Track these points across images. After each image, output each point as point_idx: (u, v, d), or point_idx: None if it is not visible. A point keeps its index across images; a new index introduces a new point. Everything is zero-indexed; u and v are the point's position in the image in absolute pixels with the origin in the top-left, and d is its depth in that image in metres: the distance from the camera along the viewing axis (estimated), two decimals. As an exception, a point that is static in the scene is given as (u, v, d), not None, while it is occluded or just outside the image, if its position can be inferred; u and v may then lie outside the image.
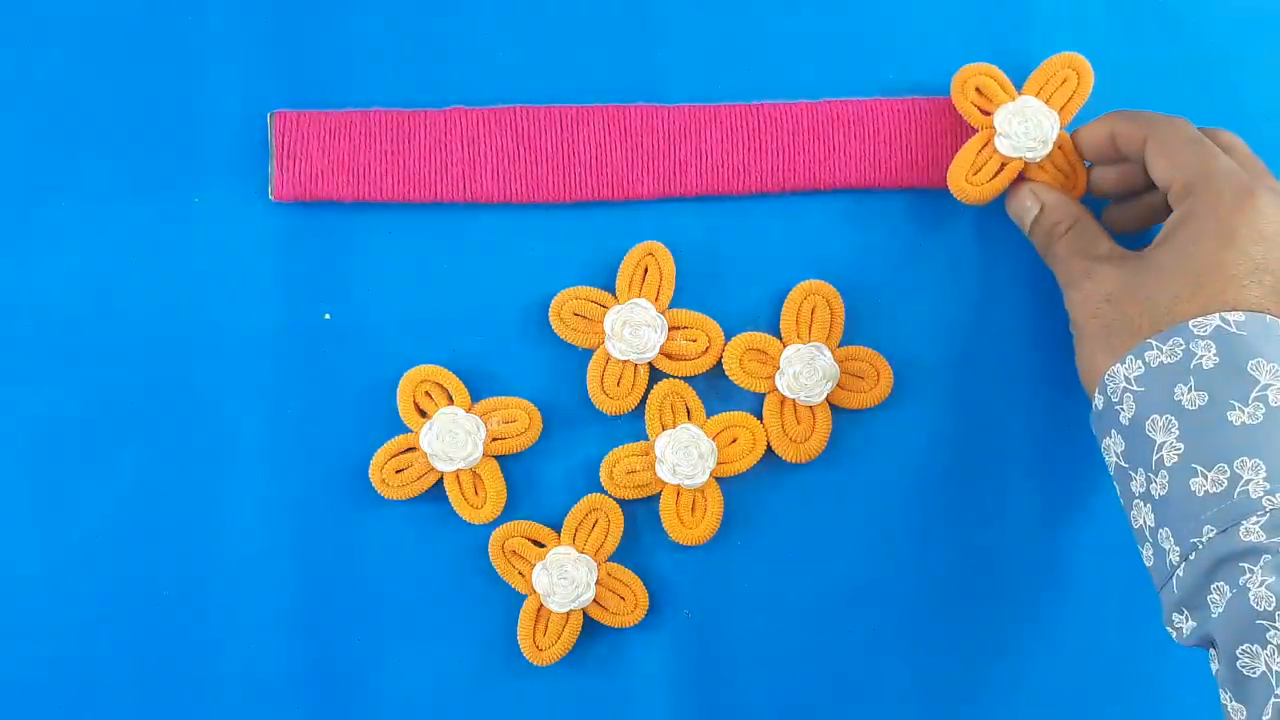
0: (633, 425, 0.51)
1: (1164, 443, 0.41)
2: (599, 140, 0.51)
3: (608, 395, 0.50)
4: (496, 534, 0.50)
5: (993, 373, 0.52)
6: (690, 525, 0.50)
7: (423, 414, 0.50)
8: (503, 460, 0.50)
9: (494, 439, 0.50)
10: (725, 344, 0.50)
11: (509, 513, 0.50)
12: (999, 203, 0.51)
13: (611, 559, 0.50)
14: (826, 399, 0.50)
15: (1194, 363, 0.41)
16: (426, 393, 0.50)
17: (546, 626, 0.49)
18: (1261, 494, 0.38)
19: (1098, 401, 0.44)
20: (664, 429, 0.50)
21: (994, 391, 0.52)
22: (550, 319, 0.50)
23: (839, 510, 0.51)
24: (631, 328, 0.49)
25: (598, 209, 0.51)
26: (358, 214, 0.51)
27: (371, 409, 0.50)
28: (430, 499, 0.50)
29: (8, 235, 0.50)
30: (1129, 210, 0.50)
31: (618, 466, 0.50)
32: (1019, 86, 0.50)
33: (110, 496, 0.50)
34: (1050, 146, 0.49)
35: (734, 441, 0.50)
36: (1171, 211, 0.45)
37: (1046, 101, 0.50)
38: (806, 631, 0.51)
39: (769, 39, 0.52)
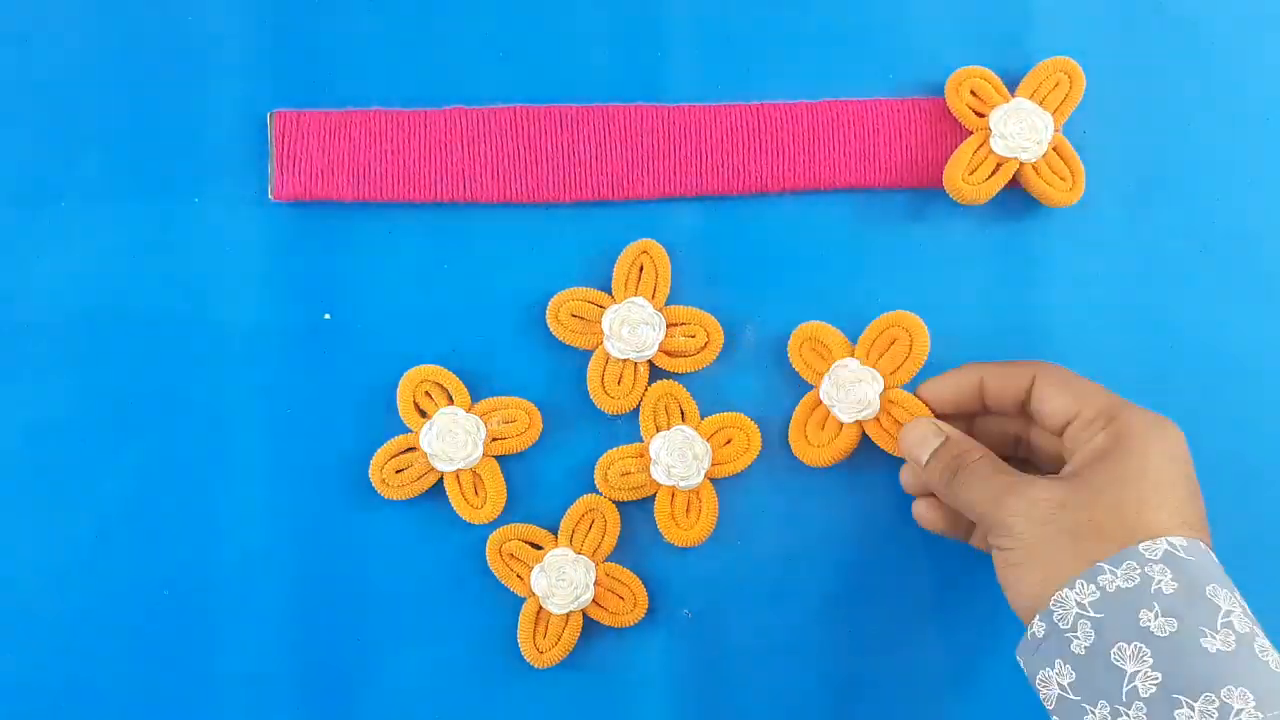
0: (633, 425, 0.51)
1: (1137, 672, 0.39)
2: (599, 140, 0.51)
3: (609, 395, 0.50)
4: (494, 537, 0.50)
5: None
6: (685, 527, 0.50)
7: (423, 414, 0.50)
8: (503, 460, 0.50)
9: (494, 439, 0.50)
10: (724, 341, 0.51)
11: (509, 513, 0.50)
12: (997, 203, 0.51)
13: (609, 559, 0.50)
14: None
15: (1154, 587, 0.40)
16: (426, 393, 0.50)
17: (546, 629, 0.49)
18: None
19: (1037, 629, 0.41)
20: (658, 430, 0.50)
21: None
22: (548, 321, 0.50)
23: (835, 510, 0.51)
24: (629, 326, 0.49)
25: (597, 209, 0.51)
26: (358, 214, 0.51)
27: (371, 409, 0.50)
28: (430, 499, 0.50)
29: (8, 235, 0.50)
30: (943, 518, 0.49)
31: (612, 469, 0.50)
32: (1013, 89, 0.50)
33: (110, 496, 0.50)
34: (1045, 147, 0.49)
35: (728, 443, 0.50)
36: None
37: (1040, 104, 0.50)
38: (805, 631, 0.51)
39: (769, 39, 0.52)
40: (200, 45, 0.51)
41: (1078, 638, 0.40)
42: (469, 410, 0.50)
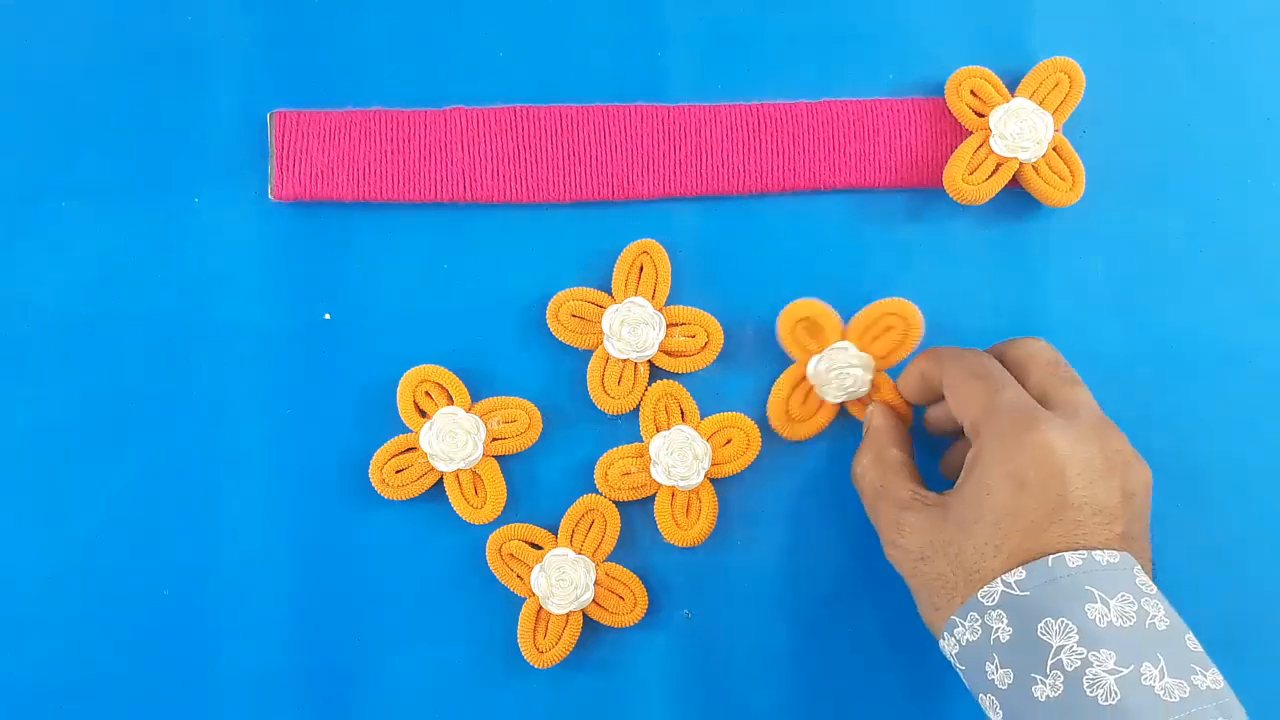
0: (632, 426, 0.51)
1: None
2: (599, 140, 0.51)
3: (609, 395, 0.50)
4: (493, 538, 0.50)
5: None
6: (685, 527, 0.50)
7: (423, 414, 0.50)
8: (503, 460, 0.50)
9: (494, 439, 0.50)
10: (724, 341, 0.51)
11: (509, 513, 0.50)
12: (997, 203, 0.51)
13: (609, 559, 0.50)
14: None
15: (993, 638, 0.40)
16: (426, 393, 0.50)
17: (546, 629, 0.49)
18: None
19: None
20: (658, 430, 0.50)
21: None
22: (548, 321, 0.50)
23: (835, 510, 0.51)
24: (630, 326, 0.49)
25: (597, 209, 0.51)
26: (358, 214, 0.51)
27: (371, 409, 0.50)
28: (430, 499, 0.50)
29: (8, 235, 0.50)
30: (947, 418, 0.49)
31: (612, 468, 0.50)
32: (1013, 89, 0.50)
33: (110, 496, 0.50)
34: (1045, 147, 0.49)
35: (728, 442, 0.50)
36: None
37: (1039, 104, 0.50)
38: (805, 631, 0.51)
39: (769, 39, 0.52)
40: (200, 45, 0.51)
41: (963, 682, 0.43)
42: (469, 410, 0.50)
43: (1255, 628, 0.51)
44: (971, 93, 0.50)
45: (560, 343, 0.51)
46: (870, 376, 0.49)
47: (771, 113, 0.51)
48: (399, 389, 0.50)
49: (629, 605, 0.50)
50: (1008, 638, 0.40)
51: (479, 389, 0.51)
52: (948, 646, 0.43)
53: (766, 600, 0.51)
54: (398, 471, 0.49)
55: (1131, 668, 0.38)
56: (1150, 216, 0.52)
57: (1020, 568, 0.40)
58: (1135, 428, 0.44)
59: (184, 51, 0.51)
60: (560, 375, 0.51)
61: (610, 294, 0.50)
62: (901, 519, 0.44)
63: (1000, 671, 0.40)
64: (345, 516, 0.50)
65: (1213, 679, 0.39)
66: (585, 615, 0.50)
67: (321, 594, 0.50)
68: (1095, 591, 0.39)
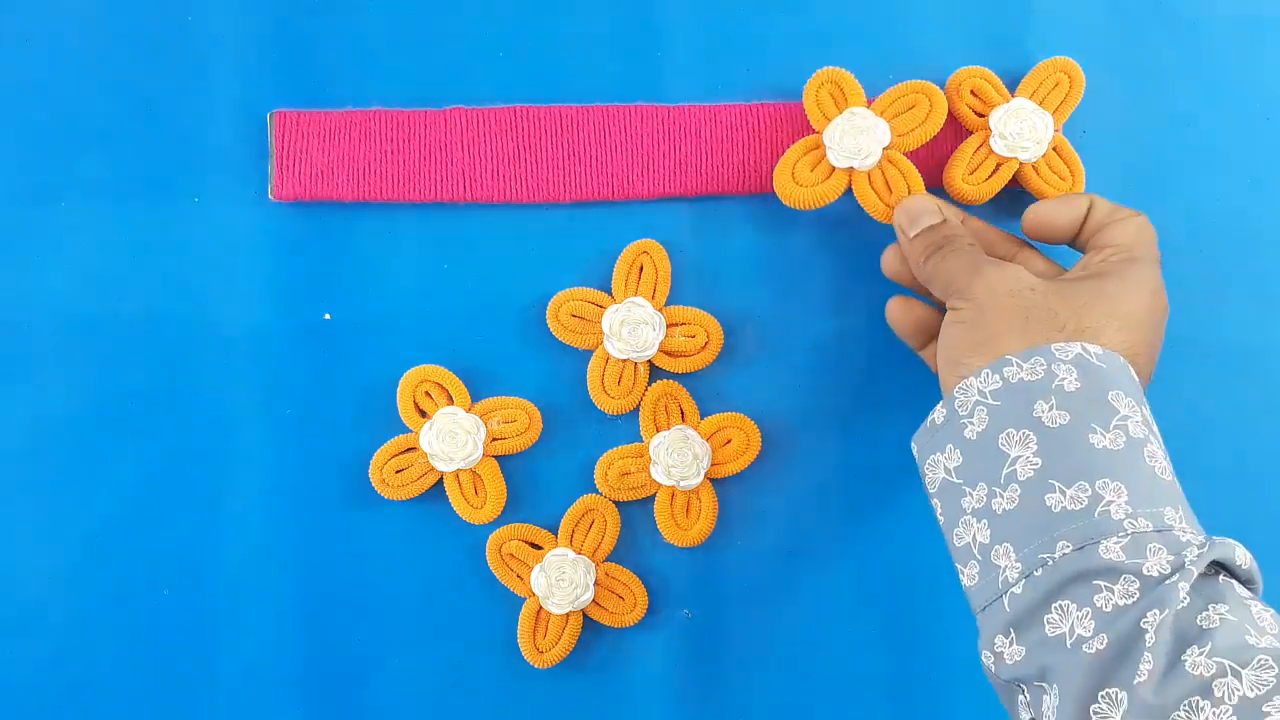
0: (632, 426, 0.51)
1: (1019, 457, 0.40)
2: (599, 140, 0.51)
3: (609, 395, 0.50)
4: (493, 538, 0.50)
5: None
6: (685, 527, 0.50)
7: (422, 414, 0.50)
8: (503, 460, 0.50)
9: (494, 439, 0.50)
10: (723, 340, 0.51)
11: (509, 513, 0.50)
12: (997, 202, 0.51)
13: (609, 559, 0.50)
14: None
15: (1056, 383, 0.40)
16: (426, 392, 0.50)
17: (546, 629, 0.49)
18: (1123, 516, 0.38)
19: (937, 415, 0.43)
20: (658, 430, 0.50)
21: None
22: (548, 321, 0.50)
23: (835, 510, 0.51)
24: (630, 326, 0.49)
25: (597, 209, 0.51)
26: (358, 214, 0.51)
27: (371, 409, 0.50)
28: (430, 499, 0.50)
29: (8, 235, 0.50)
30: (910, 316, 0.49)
31: (612, 469, 0.50)
32: (1013, 89, 0.50)
33: (110, 496, 0.50)
34: (1045, 147, 0.49)
35: (728, 443, 0.50)
36: None
37: (1039, 104, 0.50)
38: (805, 631, 0.51)
39: (769, 39, 0.52)
40: (200, 45, 0.51)
41: (972, 423, 0.42)
42: (469, 410, 0.50)
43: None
44: (972, 93, 0.50)
45: (560, 343, 0.51)
46: (884, 145, 0.49)
47: (772, 113, 0.51)
48: (399, 389, 0.50)
49: (629, 605, 0.50)
50: (1074, 388, 0.40)
51: (479, 389, 0.51)
52: (981, 385, 0.42)
53: (766, 600, 0.51)
54: (398, 471, 0.49)
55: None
56: (1149, 216, 0.52)
57: (1101, 349, 0.42)
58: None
59: (184, 51, 0.51)
60: (560, 375, 0.51)
61: (610, 294, 0.50)
62: (1019, 257, 0.48)
63: (1055, 412, 0.40)
64: (345, 517, 0.50)
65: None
66: (585, 615, 0.50)
67: (322, 594, 0.50)
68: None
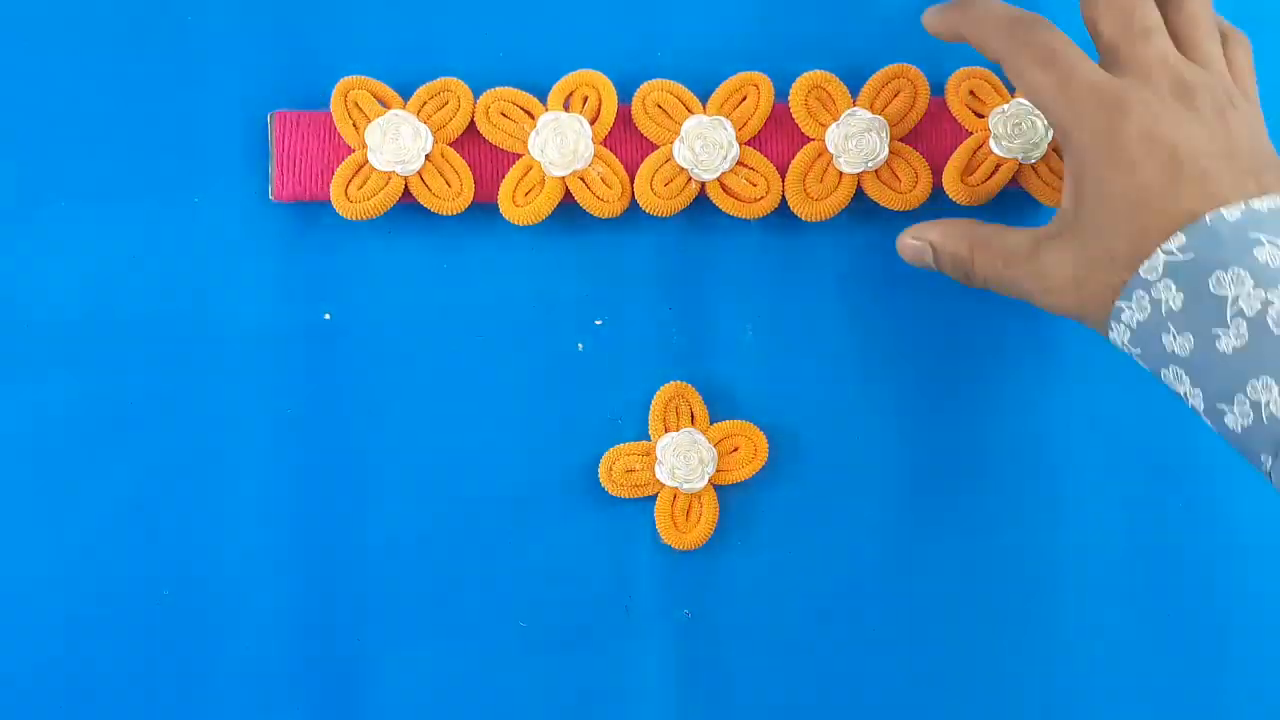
0: (635, 425, 0.51)
1: (1184, 393, 0.40)
2: (598, 140, 0.51)
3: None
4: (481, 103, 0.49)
5: (992, 371, 0.52)
6: (684, 530, 0.50)
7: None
8: (500, 460, 0.50)
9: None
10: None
11: (507, 512, 0.50)
12: (997, 205, 0.51)
13: (608, 556, 0.50)
14: None
15: (1164, 309, 0.39)
16: (356, 103, 0.49)
17: (529, 189, 0.49)
18: None
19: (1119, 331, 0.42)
20: (666, 431, 0.50)
21: (995, 389, 0.52)
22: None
23: (836, 512, 0.51)
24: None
25: (597, 209, 0.51)
26: (358, 214, 0.51)
27: (371, 409, 0.50)
28: (430, 499, 0.50)
29: (8, 235, 0.50)
30: None
31: (617, 464, 0.50)
32: (1012, 90, 0.51)
33: (110, 496, 0.50)
34: (1044, 149, 0.50)
35: (735, 450, 0.50)
36: None
37: (1039, 104, 0.50)
38: (805, 632, 0.51)
39: (769, 41, 0.52)
40: (200, 45, 0.51)
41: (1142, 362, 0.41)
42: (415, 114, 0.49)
43: (1257, 626, 0.51)
44: (971, 93, 0.50)
45: (560, 342, 0.51)
46: (887, 140, 0.49)
47: (772, 113, 0.51)
48: (332, 103, 0.49)
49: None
50: (1180, 304, 0.39)
51: (479, 388, 0.51)
52: (1118, 336, 0.41)
53: (766, 601, 0.51)
54: (361, 188, 0.48)
55: None
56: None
57: (1178, 232, 0.39)
58: (1137, 427, 0.44)
59: (184, 52, 0.51)
60: (560, 375, 0.51)
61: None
62: (1041, 270, 0.43)
63: (1180, 339, 0.39)
64: (345, 516, 0.50)
65: None
66: (568, 188, 0.49)
67: (321, 594, 0.50)
68: (1261, 236, 0.39)
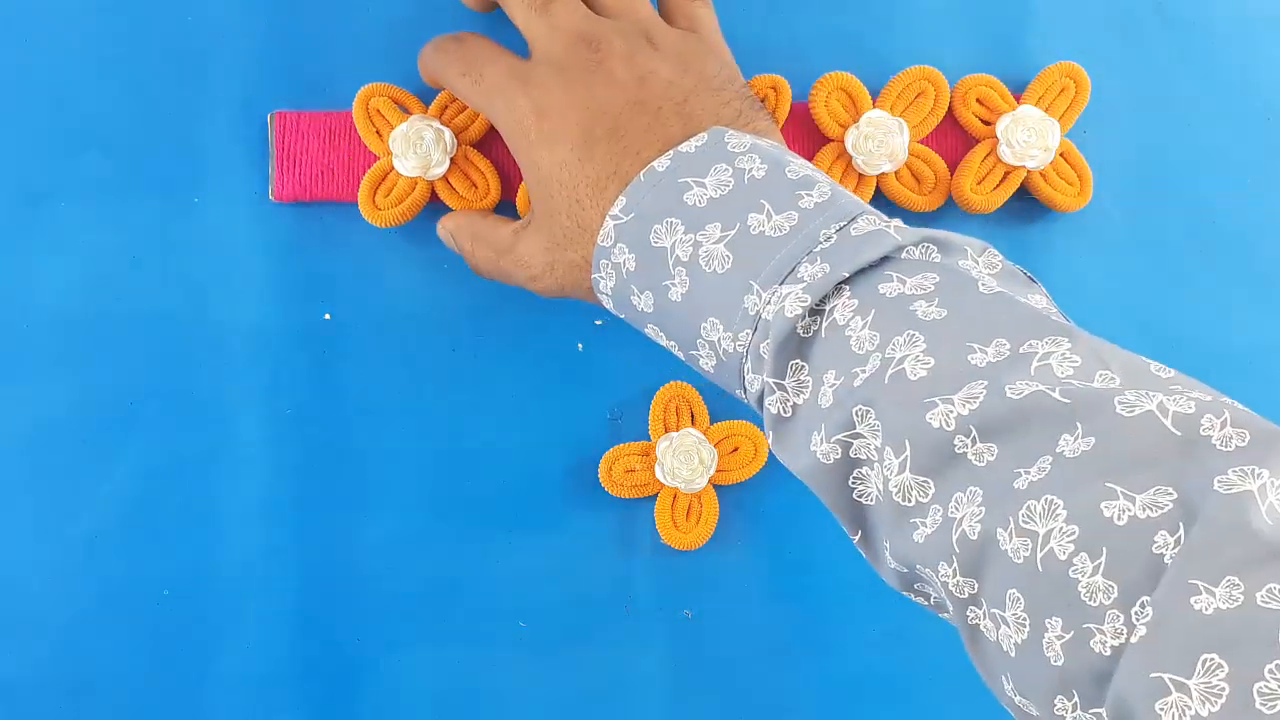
0: (635, 425, 0.51)
1: (671, 348, 0.42)
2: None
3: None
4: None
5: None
6: (684, 530, 0.50)
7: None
8: (500, 460, 0.50)
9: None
10: None
11: (507, 512, 0.50)
12: (1003, 212, 0.51)
13: (608, 556, 0.50)
14: None
15: (624, 271, 0.40)
16: (378, 110, 0.49)
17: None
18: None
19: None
20: (666, 431, 0.50)
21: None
22: (353, 112, 0.49)
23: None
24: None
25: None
26: (358, 214, 0.51)
27: (372, 409, 0.50)
28: (430, 499, 0.50)
29: (8, 235, 0.50)
30: None
31: (617, 464, 0.50)
32: (1015, 91, 0.50)
33: (110, 497, 0.50)
34: (1053, 154, 0.49)
35: (735, 450, 0.50)
36: None
37: (1046, 110, 0.50)
38: (805, 631, 0.51)
39: (769, 44, 0.52)
40: (200, 45, 0.50)
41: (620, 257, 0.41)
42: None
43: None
44: (978, 101, 0.50)
45: (560, 342, 0.51)
46: (906, 141, 0.49)
47: (791, 113, 0.51)
48: (354, 110, 0.49)
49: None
50: (634, 264, 0.40)
51: (478, 389, 0.51)
52: (607, 306, 0.42)
53: (766, 601, 0.51)
54: (387, 194, 0.49)
55: (737, 225, 0.38)
56: (1151, 217, 0.52)
57: (620, 196, 0.40)
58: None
59: (184, 52, 0.50)
60: (560, 374, 0.51)
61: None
62: (521, 259, 0.44)
63: (643, 297, 0.40)
64: (345, 516, 0.50)
65: (819, 193, 0.38)
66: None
67: (321, 594, 0.50)
68: (690, 180, 0.39)
